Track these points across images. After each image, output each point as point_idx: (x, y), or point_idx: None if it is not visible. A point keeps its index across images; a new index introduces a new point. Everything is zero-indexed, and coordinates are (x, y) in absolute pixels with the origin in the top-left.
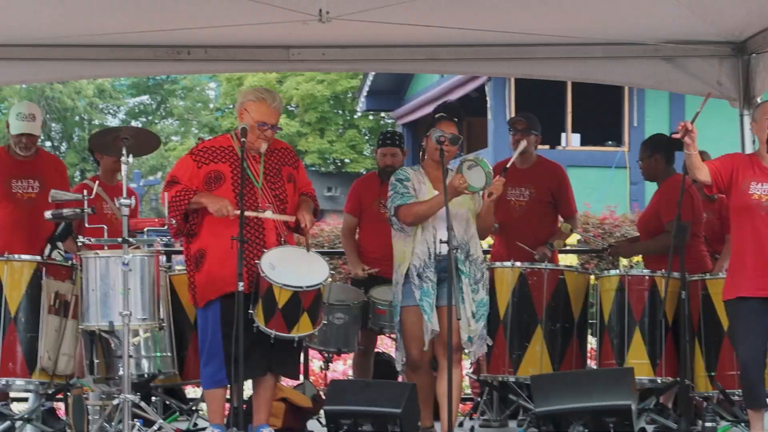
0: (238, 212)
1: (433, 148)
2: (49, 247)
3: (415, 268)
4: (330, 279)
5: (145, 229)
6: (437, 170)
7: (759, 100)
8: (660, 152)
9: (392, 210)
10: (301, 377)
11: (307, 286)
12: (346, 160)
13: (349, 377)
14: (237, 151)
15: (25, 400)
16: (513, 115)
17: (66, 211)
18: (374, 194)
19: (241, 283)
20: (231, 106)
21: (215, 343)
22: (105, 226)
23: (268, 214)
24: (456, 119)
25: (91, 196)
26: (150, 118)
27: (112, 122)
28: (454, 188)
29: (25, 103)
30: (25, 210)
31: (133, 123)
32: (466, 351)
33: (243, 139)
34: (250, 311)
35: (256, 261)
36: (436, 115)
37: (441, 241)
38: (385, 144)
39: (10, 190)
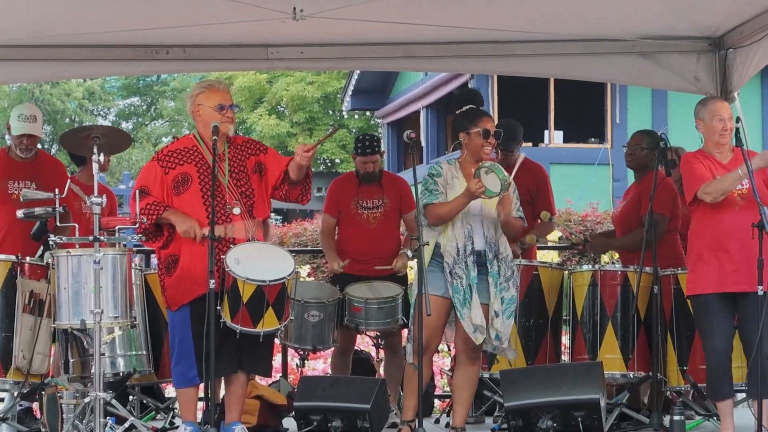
0: (205, 233)
1: (480, 145)
2: (42, 248)
3: (447, 265)
4: (298, 274)
5: (117, 227)
6: (473, 166)
7: (736, 95)
8: (657, 149)
9: (421, 207)
10: (278, 375)
11: (271, 280)
12: (337, 160)
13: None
14: (202, 151)
15: (2, 400)
16: (496, 112)
17: (38, 210)
18: (352, 195)
19: (212, 281)
20: None
21: (186, 343)
22: (77, 225)
23: (236, 211)
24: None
25: (63, 195)
26: (140, 119)
27: (103, 124)
28: (471, 192)
29: (26, 104)
30: None
31: (123, 124)
32: (495, 350)
33: (214, 137)
34: (218, 307)
35: (222, 256)
36: (467, 109)
37: (411, 238)
38: (366, 153)
39: (6, 191)
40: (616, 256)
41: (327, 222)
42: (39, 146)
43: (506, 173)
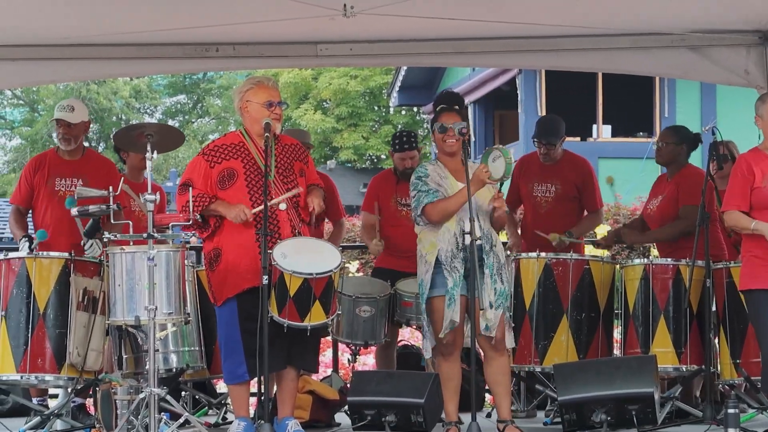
0: (255, 210)
1: (440, 140)
2: (85, 239)
3: (446, 262)
4: (347, 270)
5: (171, 224)
6: (454, 162)
7: None
8: (687, 143)
9: (419, 210)
10: (329, 370)
11: (317, 273)
12: (382, 156)
13: None
14: (248, 147)
15: (56, 396)
16: (544, 108)
17: (92, 208)
18: (391, 192)
19: (265, 277)
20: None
21: (233, 339)
22: (131, 222)
23: (283, 207)
24: (457, 107)
25: (116, 193)
26: (187, 117)
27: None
28: (478, 178)
29: (71, 98)
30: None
31: (170, 122)
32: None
33: (267, 134)
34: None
35: (269, 251)
36: (437, 108)
37: (464, 233)
38: (403, 149)
39: (53, 188)
40: (655, 252)
41: (367, 219)
42: (86, 144)
43: (512, 156)
